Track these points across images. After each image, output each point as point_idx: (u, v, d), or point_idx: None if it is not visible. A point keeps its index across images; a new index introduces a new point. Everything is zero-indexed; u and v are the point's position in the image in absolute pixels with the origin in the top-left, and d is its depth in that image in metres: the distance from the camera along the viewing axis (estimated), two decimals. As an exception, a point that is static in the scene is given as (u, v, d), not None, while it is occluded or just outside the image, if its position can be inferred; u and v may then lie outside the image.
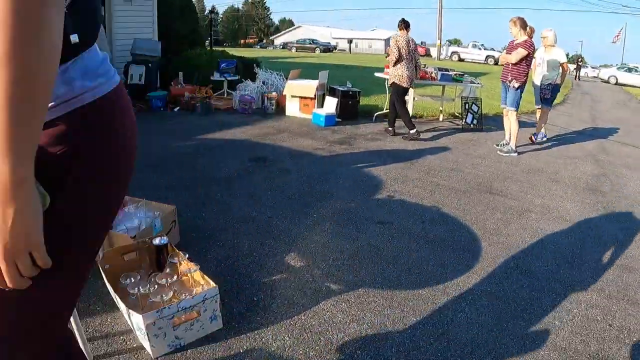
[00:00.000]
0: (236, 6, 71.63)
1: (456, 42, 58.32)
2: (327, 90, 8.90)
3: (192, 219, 4.02)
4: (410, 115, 7.93)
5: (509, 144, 6.86)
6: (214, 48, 15.53)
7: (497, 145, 7.10)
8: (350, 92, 8.46)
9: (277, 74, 10.03)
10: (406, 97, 7.91)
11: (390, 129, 7.53)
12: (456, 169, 5.87)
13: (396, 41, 7.16)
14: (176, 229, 3.63)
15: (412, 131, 7.38)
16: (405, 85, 7.20)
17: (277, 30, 70.78)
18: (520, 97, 6.73)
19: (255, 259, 3.38)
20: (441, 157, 6.34)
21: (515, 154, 6.76)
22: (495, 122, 8.89)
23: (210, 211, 4.18)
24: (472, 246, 3.79)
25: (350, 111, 8.50)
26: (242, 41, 64.49)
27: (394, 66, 7.23)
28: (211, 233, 3.76)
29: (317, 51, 44.73)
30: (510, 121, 6.78)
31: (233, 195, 4.56)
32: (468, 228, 4.12)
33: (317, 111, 8.12)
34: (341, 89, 8.47)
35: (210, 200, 4.44)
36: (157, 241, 3.05)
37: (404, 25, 7.22)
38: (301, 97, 8.55)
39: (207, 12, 35.21)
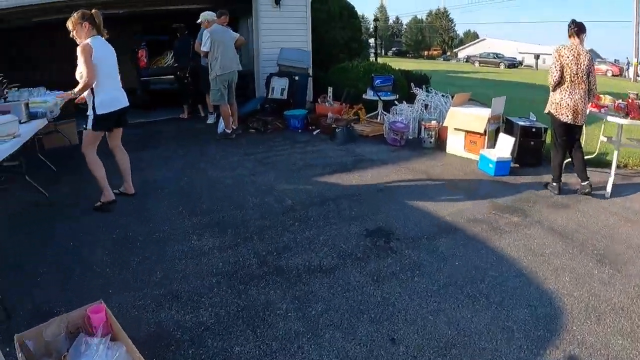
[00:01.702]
0: (420, 17, 69.41)
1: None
2: (503, 123, 6.57)
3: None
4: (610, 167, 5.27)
5: None
6: (394, 59, 13.86)
7: None
8: (534, 129, 6.00)
9: (443, 96, 7.92)
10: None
11: (584, 184, 4.92)
12: None
13: (559, 55, 4.68)
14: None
15: (553, 183, 5.00)
16: (564, 118, 4.72)
17: (461, 42, 66.59)
18: None
19: None
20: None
21: None
22: None
23: (249, 344, 2.48)
24: None
25: (532, 155, 6.05)
26: (425, 53, 62.10)
27: (553, 90, 4.81)
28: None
29: (502, 66, 40.66)
30: None
31: (303, 314, 2.79)
32: None
33: (485, 153, 5.90)
34: (521, 123, 6.07)
35: (262, 319, 2.74)
36: None
37: (576, 29, 4.65)
38: (467, 132, 6.40)
39: (372, 20, 33.20)
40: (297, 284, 3.09)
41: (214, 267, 3.31)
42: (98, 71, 3.95)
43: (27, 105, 4.39)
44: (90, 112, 4.10)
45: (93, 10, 4.01)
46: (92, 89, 4.02)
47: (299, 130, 7.68)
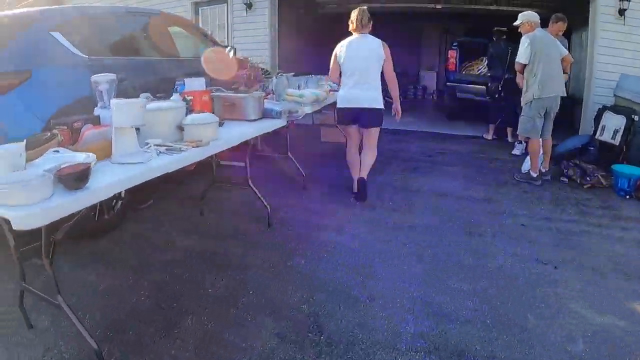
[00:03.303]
0: None
1: None
2: None
3: None
4: None
5: None
6: None
7: None
8: None
9: None
10: None
11: None
12: None
13: None
14: None
15: None
16: None
17: None
18: None
19: None
20: None
21: None
22: None
23: None
24: None
25: None
26: None
27: None
28: None
29: None
30: None
31: None
32: None
33: None
34: None
35: None
36: None
37: None
38: None
39: None
40: None
41: None
42: (342, 69, 4.33)
43: (260, 99, 3.55)
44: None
45: (358, 8, 4.25)
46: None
47: (627, 197, 5.24)
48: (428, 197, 4.79)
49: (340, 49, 4.31)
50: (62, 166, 1.85)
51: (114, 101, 2.18)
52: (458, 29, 11.25)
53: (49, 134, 2.26)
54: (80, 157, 2.04)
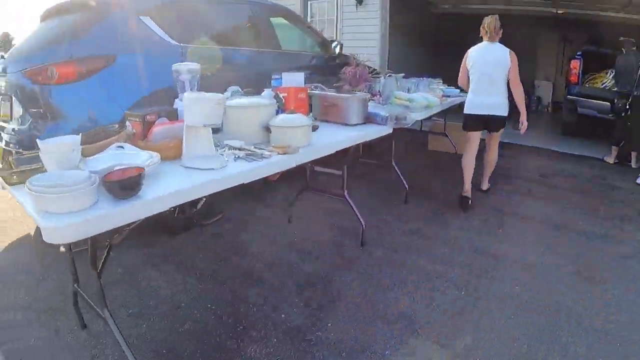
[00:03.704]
0: None
1: None
2: None
3: None
4: None
5: None
6: None
7: None
8: None
9: None
10: None
11: None
12: None
13: None
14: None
15: None
16: None
17: None
18: None
19: None
20: None
21: None
22: None
23: None
24: None
25: None
26: None
27: None
28: None
29: None
30: None
31: None
32: None
33: None
34: None
35: None
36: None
37: None
38: None
39: None
40: None
41: None
42: (470, 75, 4.28)
43: (365, 101, 3.11)
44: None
45: (491, 16, 4.23)
46: None
47: None
48: (540, 227, 4.03)
49: (471, 54, 4.32)
50: (114, 168, 1.54)
51: (186, 95, 1.84)
52: (578, 38, 10.02)
53: (116, 126, 1.98)
54: (142, 157, 1.73)
